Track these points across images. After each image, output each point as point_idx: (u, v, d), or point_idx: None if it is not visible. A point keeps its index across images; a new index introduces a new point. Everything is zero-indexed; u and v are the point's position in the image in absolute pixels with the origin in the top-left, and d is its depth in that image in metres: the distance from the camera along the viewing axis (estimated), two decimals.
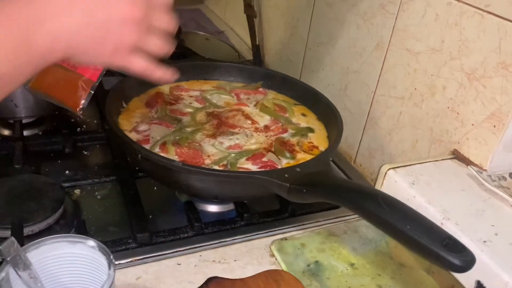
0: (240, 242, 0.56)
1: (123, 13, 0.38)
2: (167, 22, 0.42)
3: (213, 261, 0.52)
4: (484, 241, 0.43)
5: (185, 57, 0.90)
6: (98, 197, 0.63)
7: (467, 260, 0.35)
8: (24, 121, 0.71)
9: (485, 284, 0.37)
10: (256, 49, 1.04)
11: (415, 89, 0.62)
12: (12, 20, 0.34)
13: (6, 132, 0.72)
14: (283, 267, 0.52)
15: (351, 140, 0.76)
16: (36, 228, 0.54)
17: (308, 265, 0.53)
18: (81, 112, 0.52)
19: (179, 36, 0.96)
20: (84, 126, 0.78)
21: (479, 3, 0.52)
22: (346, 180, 0.64)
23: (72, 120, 0.78)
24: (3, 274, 0.33)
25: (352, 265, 0.54)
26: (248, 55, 1.07)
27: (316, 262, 0.53)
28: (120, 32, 0.38)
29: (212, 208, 0.61)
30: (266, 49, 1.05)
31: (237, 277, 0.49)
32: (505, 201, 0.49)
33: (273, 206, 0.61)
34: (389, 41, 0.66)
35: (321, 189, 0.47)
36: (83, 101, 0.52)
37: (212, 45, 1.04)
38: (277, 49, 1.01)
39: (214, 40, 1.07)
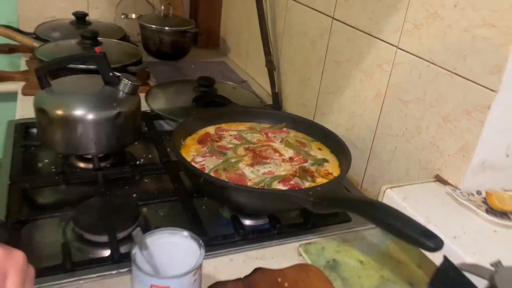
0: (275, 246, 0.73)
1: None
2: None
3: (256, 258, 0.70)
4: (455, 237, 0.61)
5: (219, 103, 1.10)
6: (161, 213, 0.82)
7: (438, 243, 0.52)
8: None
9: (450, 260, 0.54)
10: (276, 96, 1.24)
11: (406, 128, 0.81)
12: None
13: (86, 165, 0.91)
14: (309, 262, 0.69)
15: (358, 169, 0.94)
16: (121, 235, 0.71)
17: (328, 262, 0.70)
18: None
19: (212, 86, 1.17)
20: (142, 160, 0.97)
21: (449, 66, 0.71)
22: (355, 194, 0.82)
23: (128, 156, 0.97)
24: (134, 251, 0.51)
25: (361, 262, 0.71)
26: (268, 101, 1.27)
27: (334, 260, 0.70)
28: None
29: (250, 221, 0.78)
30: (283, 96, 1.25)
31: (276, 269, 0.66)
32: (473, 210, 0.66)
33: (298, 220, 0.79)
34: (385, 92, 0.85)
35: (337, 202, 0.65)
36: None
37: (238, 92, 1.24)
38: (293, 96, 1.21)
39: (240, 89, 1.27)
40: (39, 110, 0.85)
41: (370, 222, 0.59)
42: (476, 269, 0.49)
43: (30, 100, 1.11)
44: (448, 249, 0.57)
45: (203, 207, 0.82)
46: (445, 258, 0.51)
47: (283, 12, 1.21)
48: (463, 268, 0.49)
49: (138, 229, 0.52)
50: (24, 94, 1.13)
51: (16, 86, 1.23)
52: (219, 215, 0.81)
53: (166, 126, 1.10)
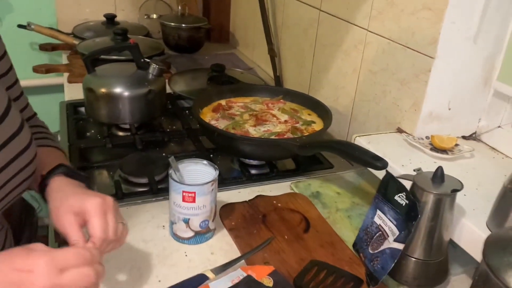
0: (272, 184, 0.95)
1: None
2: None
3: (257, 191, 0.92)
4: (402, 165, 0.82)
5: (229, 82, 1.32)
6: None
7: (384, 163, 0.74)
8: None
9: (391, 173, 0.75)
10: (277, 79, 1.46)
11: (375, 94, 1.02)
12: None
13: (124, 133, 1.15)
14: (298, 193, 0.91)
15: (342, 132, 1.15)
16: (157, 178, 0.94)
17: (312, 193, 0.92)
18: None
19: (223, 71, 1.40)
20: (168, 128, 1.20)
21: (403, 42, 0.92)
22: (330, 139, 1.04)
23: (157, 126, 1.20)
24: (170, 171, 0.74)
25: (338, 193, 0.93)
26: (271, 83, 1.49)
27: (317, 191, 0.92)
28: None
29: (255, 171, 1.01)
30: (284, 78, 1.47)
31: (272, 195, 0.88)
32: (420, 149, 0.87)
33: (291, 166, 1.01)
34: (360, 67, 1.07)
35: (316, 144, 0.87)
36: None
37: (245, 76, 1.46)
38: (291, 78, 1.43)
39: (247, 74, 1.50)
40: (88, 90, 1.09)
41: (338, 155, 0.81)
42: (406, 176, 0.70)
43: (74, 86, 1.37)
44: (395, 173, 0.79)
45: (218, 162, 1.05)
46: (387, 171, 0.72)
47: (281, 7, 1.43)
48: (398, 177, 0.70)
49: (173, 157, 0.75)
50: (69, 82, 1.38)
51: (60, 79, 1.48)
52: (231, 168, 1.04)
53: (186, 104, 1.33)
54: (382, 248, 0.68)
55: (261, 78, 1.49)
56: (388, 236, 0.68)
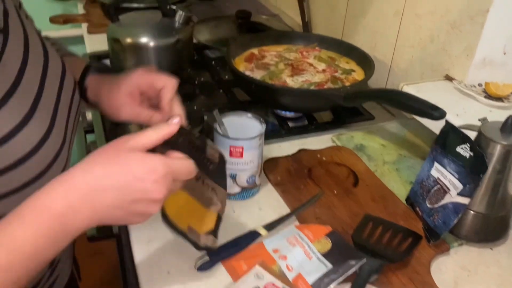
0: (312, 137, 0.91)
1: (149, 196, 0.45)
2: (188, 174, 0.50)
3: (299, 144, 0.88)
4: (457, 114, 0.77)
5: (257, 29, 1.25)
6: None
7: (441, 113, 0.69)
8: None
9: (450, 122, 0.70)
10: (306, 25, 1.38)
11: (420, 38, 0.96)
12: (52, 211, 0.43)
13: None
14: (341, 146, 0.88)
15: (381, 80, 1.10)
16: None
17: (356, 145, 0.88)
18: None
19: (249, 18, 1.33)
20: (197, 80, 1.15)
21: None
22: (377, 88, 0.98)
23: (185, 78, 1.15)
24: (215, 125, 0.70)
25: (383, 145, 0.89)
26: (299, 30, 1.42)
27: (361, 144, 0.88)
28: (144, 209, 0.46)
29: (291, 123, 0.97)
30: (313, 24, 1.39)
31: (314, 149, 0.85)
32: (473, 97, 0.82)
33: (330, 118, 0.97)
34: (403, 10, 0.99)
35: (363, 94, 0.82)
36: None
37: (272, 23, 1.39)
38: (321, 24, 1.35)
39: (272, 20, 1.42)
40: (113, 40, 1.04)
41: (390, 105, 0.77)
42: (469, 127, 0.66)
43: (95, 37, 1.31)
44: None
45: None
46: (447, 121, 0.68)
47: None
48: (460, 127, 0.66)
49: (216, 110, 0.70)
50: (89, 32, 1.32)
51: (78, 30, 1.41)
52: (267, 121, 1.00)
53: (212, 54, 1.27)
54: (443, 202, 0.64)
55: (288, 25, 1.41)
56: (449, 190, 0.64)
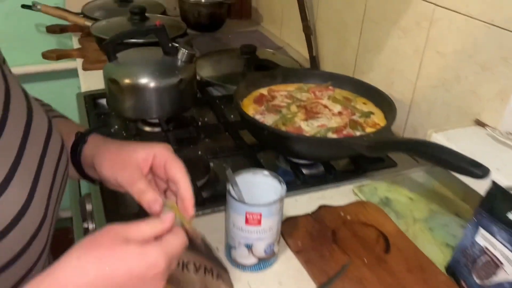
0: (331, 188, 0.83)
1: None
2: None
3: (317, 198, 0.79)
4: (497, 169, 0.69)
5: (264, 66, 1.18)
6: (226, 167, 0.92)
7: (485, 171, 0.61)
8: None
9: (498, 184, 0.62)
10: (313, 59, 1.31)
11: (445, 79, 0.88)
12: None
13: (151, 129, 1.02)
14: (365, 200, 0.79)
15: (398, 121, 1.01)
16: (199, 183, 0.82)
17: (381, 199, 0.79)
18: None
19: (254, 52, 1.25)
20: (200, 122, 1.07)
21: (486, 18, 0.78)
22: (405, 137, 0.90)
23: (188, 119, 1.07)
24: (228, 187, 0.61)
25: (410, 198, 0.80)
26: (306, 64, 1.34)
27: (386, 197, 0.80)
28: None
29: (306, 171, 0.88)
30: (320, 58, 1.32)
31: (337, 205, 0.76)
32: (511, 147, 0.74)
33: (349, 167, 0.88)
34: (424, 47, 0.92)
35: (390, 144, 0.74)
36: None
37: (277, 58, 1.31)
38: (330, 58, 1.28)
39: (278, 54, 1.35)
40: (110, 81, 0.95)
41: (422, 159, 0.68)
42: None
43: (90, 74, 1.23)
44: (491, 179, 0.66)
45: (261, 160, 0.92)
46: (494, 183, 0.59)
47: None
48: (508, 188, 0.58)
49: (229, 169, 0.62)
50: (84, 69, 1.24)
51: (72, 63, 1.34)
52: (277, 166, 0.91)
53: (215, 92, 1.19)
54: (496, 279, 0.55)
55: (295, 59, 1.34)
56: (502, 264, 0.55)
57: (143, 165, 0.54)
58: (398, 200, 0.79)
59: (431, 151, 0.67)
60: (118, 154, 0.55)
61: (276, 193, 0.62)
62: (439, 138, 0.77)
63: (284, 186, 0.62)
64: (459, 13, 0.83)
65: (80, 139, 0.60)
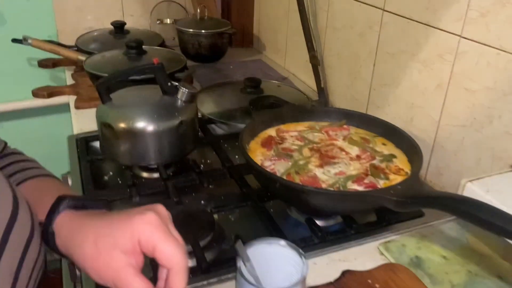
0: (354, 246, 0.73)
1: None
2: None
3: (339, 260, 0.70)
4: None
5: (271, 102, 1.09)
6: (232, 219, 0.82)
7: None
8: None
9: None
10: (322, 91, 1.23)
11: (475, 118, 0.79)
12: None
13: (149, 175, 0.93)
14: (393, 261, 0.69)
15: None
16: (202, 243, 0.72)
17: (411, 259, 0.69)
18: None
19: (259, 86, 1.17)
20: (202, 166, 0.98)
21: None
22: (439, 191, 0.81)
23: (189, 163, 0.98)
24: (238, 264, 0.51)
25: (444, 257, 0.70)
26: (314, 96, 1.26)
27: (417, 256, 0.70)
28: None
29: (322, 223, 0.78)
30: (330, 90, 1.24)
31: (364, 270, 0.66)
32: None
33: (372, 218, 0.79)
34: (448, 82, 0.84)
35: (422, 199, 0.64)
36: None
37: (283, 90, 1.23)
38: (340, 90, 1.20)
39: (284, 86, 1.27)
40: (104, 125, 0.87)
41: (464, 220, 0.59)
42: None
43: (83, 113, 1.15)
44: None
45: (271, 209, 0.82)
46: None
47: (325, 6, 1.20)
48: None
49: (240, 241, 0.52)
50: (77, 108, 1.15)
51: (65, 98, 1.25)
52: (288, 215, 0.82)
53: (218, 130, 1.10)
54: None
55: (302, 91, 1.26)
56: None
57: (133, 260, 0.44)
58: (430, 260, 0.69)
59: (473, 212, 0.57)
60: (97, 256, 0.44)
61: (296, 267, 0.53)
62: (475, 189, 0.68)
63: (306, 262, 0.52)
64: (489, 46, 0.75)
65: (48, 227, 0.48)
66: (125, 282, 0.41)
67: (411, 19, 0.91)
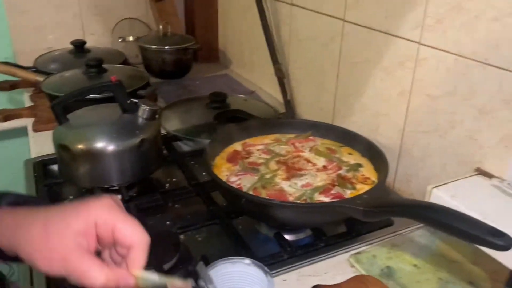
0: (324, 259, 0.71)
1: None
2: None
3: (309, 275, 0.68)
4: None
5: (236, 117, 1.07)
6: (199, 239, 0.79)
7: (508, 241, 0.51)
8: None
9: None
10: (288, 103, 1.22)
11: (438, 124, 0.80)
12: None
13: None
14: (364, 273, 0.67)
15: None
16: (166, 266, 0.69)
17: (382, 270, 0.68)
18: None
19: (225, 101, 1.15)
20: (167, 184, 0.95)
21: (480, 57, 0.70)
22: (406, 199, 0.80)
23: (154, 182, 0.94)
24: (201, 286, 0.49)
25: (415, 265, 0.69)
26: (281, 109, 1.25)
27: (388, 267, 0.69)
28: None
29: (291, 236, 0.76)
30: (296, 102, 1.23)
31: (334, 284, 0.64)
32: None
33: (341, 229, 0.77)
34: (411, 89, 0.84)
35: (389, 208, 0.63)
36: None
37: (250, 104, 1.22)
38: (306, 102, 1.19)
39: (251, 100, 1.26)
40: (61, 147, 0.83)
41: (430, 226, 0.58)
42: None
43: (42, 136, 1.10)
44: None
45: (240, 226, 0.80)
46: None
47: (287, 19, 1.20)
48: None
49: (201, 263, 0.50)
50: (35, 130, 1.10)
51: (23, 121, 1.20)
52: (257, 231, 0.80)
53: (184, 146, 1.08)
54: None
55: (269, 105, 1.24)
56: None
57: (84, 242, 0.42)
58: (402, 269, 0.68)
59: (440, 219, 0.56)
60: (46, 238, 0.41)
61: (262, 286, 0.51)
62: (441, 194, 0.68)
63: (272, 280, 0.50)
64: (448, 52, 0.75)
65: None
66: (76, 264, 0.39)
67: (371, 28, 0.91)
